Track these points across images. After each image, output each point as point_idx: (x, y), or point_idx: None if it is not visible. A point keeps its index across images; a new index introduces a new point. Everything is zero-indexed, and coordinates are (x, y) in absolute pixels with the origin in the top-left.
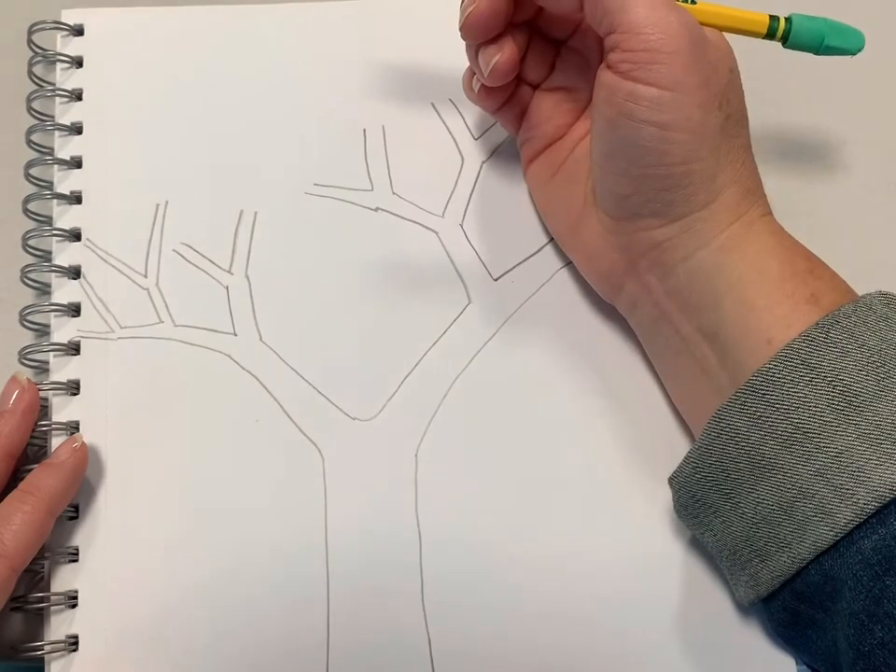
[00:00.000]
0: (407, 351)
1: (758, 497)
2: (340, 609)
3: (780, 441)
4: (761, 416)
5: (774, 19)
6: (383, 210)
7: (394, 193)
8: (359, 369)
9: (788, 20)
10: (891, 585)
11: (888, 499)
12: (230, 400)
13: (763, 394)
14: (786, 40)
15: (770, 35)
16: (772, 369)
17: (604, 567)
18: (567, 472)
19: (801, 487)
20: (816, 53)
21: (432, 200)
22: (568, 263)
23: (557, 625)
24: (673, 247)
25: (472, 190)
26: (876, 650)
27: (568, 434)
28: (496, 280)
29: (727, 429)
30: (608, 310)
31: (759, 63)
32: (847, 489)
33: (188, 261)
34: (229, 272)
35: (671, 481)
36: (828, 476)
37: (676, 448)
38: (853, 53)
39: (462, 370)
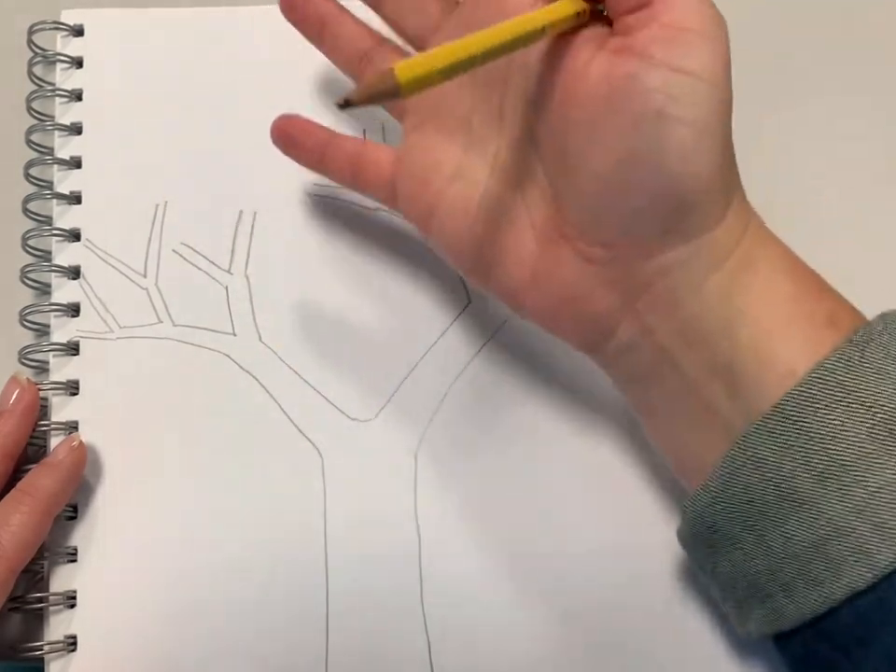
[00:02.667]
0: (407, 351)
1: (787, 532)
2: (339, 610)
3: (814, 473)
4: (792, 446)
5: None
6: (382, 210)
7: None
8: (359, 369)
9: None
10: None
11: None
12: (229, 400)
13: (795, 420)
14: None
15: None
16: (804, 392)
17: (604, 567)
18: (567, 472)
19: (837, 524)
20: None
21: None
22: None
23: (557, 625)
24: (685, 274)
25: None
26: None
27: (569, 433)
28: None
29: (753, 458)
30: None
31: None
32: (889, 527)
33: (187, 261)
34: (228, 272)
35: (685, 509)
36: (867, 513)
37: None
38: None
39: (462, 370)
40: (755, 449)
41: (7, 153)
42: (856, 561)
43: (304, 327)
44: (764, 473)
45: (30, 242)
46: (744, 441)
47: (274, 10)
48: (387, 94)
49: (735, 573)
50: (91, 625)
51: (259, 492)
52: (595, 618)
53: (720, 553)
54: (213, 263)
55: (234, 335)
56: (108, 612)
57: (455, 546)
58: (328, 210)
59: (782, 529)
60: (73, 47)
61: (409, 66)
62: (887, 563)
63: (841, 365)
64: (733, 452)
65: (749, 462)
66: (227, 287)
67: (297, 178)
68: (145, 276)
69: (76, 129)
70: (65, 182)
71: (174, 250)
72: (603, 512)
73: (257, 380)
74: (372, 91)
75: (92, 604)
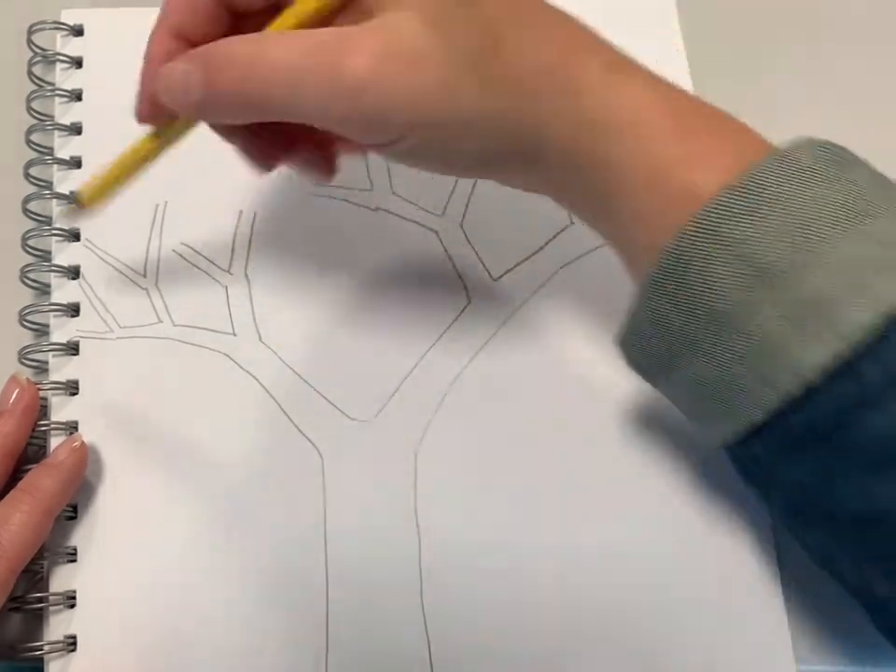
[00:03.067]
0: (407, 351)
1: (693, 375)
2: (339, 609)
3: (700, 323)
4: (679, 297)
5: None
6: (382, 210)
7: (394, 193)
8: (359, 369)
9: None
10: (836, 462)
11: (813, 382)
12: (229, 401)
13: (679, 272)
14: None
15: None
16: (680, 245)
17: (604, 566)
18: (567, 471)
19: (725, 371)
20: None
21: (432, 200)
22: (568, 263)
23: (558, 624)
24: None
25: (472, 190)
26: (824, 519)
27: (569, 433)
28: (496, 280)
29: (652, 310)
30: (608, 310)
31: None
32: (771, 373)
33: (187, 261)
34: (228, 272)
35: (620, 346)
36: (750, 360)
37: (678, 445)
38: None
39: (462, 370)
40: (653, 296)
41: (7, 153)
42: (746, 401)
43: (304, 327)
44: (665, 316)
45: (30, 242)
46: (639, 298)
47: None
48: (81, 216)
49: (674, 397)
50: (91, 625)
51: (259, 492)
52: (595, 617)
53: (658, 383)
54: (213, 263)
55: (234, 335)
56: (108, 612)
57: (455, 546)
58: (328, 210)
59: (686, 372)
60: (72, 46)
61: (88, 190)
62: (770, 406)
63: (715, 213)
64: (634, 307)
65: (648, 315)
66: (227, 288)
67: (297, 179)
68: (145, 276)
69: (75, 129)
70: (65, 182)
71: (174, 250)
72: (604, 511)
73: (257, 380)
74: (72, 219)
75: (92, 604)
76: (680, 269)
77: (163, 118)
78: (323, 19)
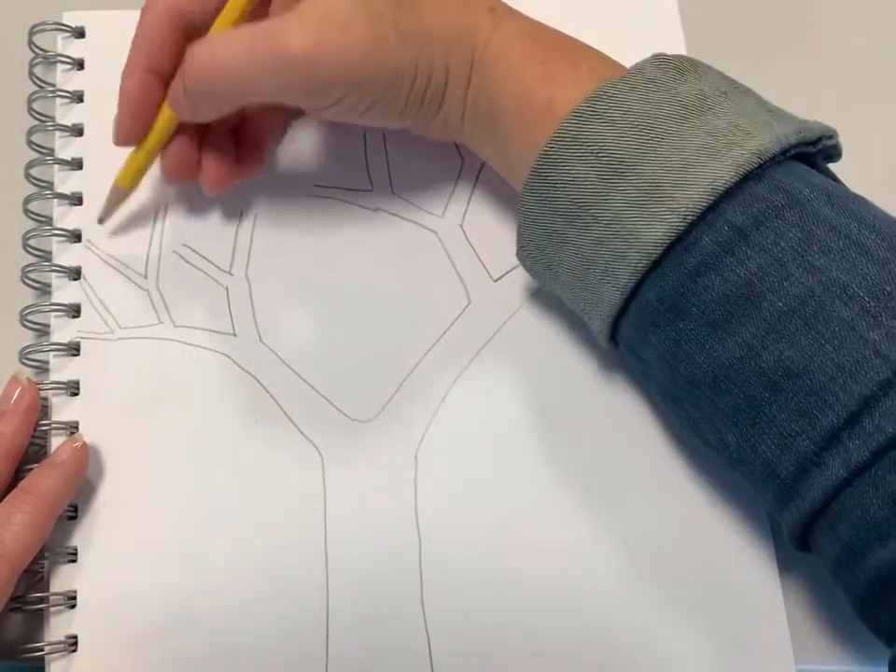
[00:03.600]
0: (407, 351)
1: (566, 267)
2: (339, 610)
3: (565, 217)
4: (547, 198)
5: None
6: (383, 210)
7: (394, 193)
8: (359, 369)
9: None
10: (684, 328)
11: (655, 255)
12: (229, 401)
13: (545, 176)
14: None
15: None
16: (548, 151)
17: (604, 565)
18: (567, 471)
19: (585, 255)
20: None
21: (432, 200)
22: None
23: (558, 625)
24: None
25: (472, 190)
26: (684, 388)
27: (568, 433)
28: (496, 281)
29: (529, 214)
30: None
31: None
32: (622, 252)
33: (188, 262)
34: (229, 272)
35: (517, 258)
36: (605, 243)
37: (677, 445)
38: None
39: (462, 370)
40: (529, 206)
41: (8, 153)
42: (608, 283)
43: (304, 327)
44: (539, 217)
45: (30, 242)
46: (520, 200)
47: None
48: (122, 198)
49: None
50: (92, 626)
51: (260, 492)
52: (594, 617)
53: (552, 287)
54: (213, 264)
55: (235, 336)
56: (109, 612)
57: (455, 546)
58: (328, 211)
59: (562, 264)
60: (74, 48)
61: (123, 174)
62: (625, 282)
63: (574, 121)
64: (519, 214)
65: (527, 219)
66: (227, 288)
67: (297, 179)
68: (146, 277)
69: (77, 130)
70: (67, 183)
71: (174, 251)
72: (604, 511)
73: (257, 380)
74: (111, 206)
75: (93, 604)
76: (547, 172)
77: (138, 138)
78: (256, 10)
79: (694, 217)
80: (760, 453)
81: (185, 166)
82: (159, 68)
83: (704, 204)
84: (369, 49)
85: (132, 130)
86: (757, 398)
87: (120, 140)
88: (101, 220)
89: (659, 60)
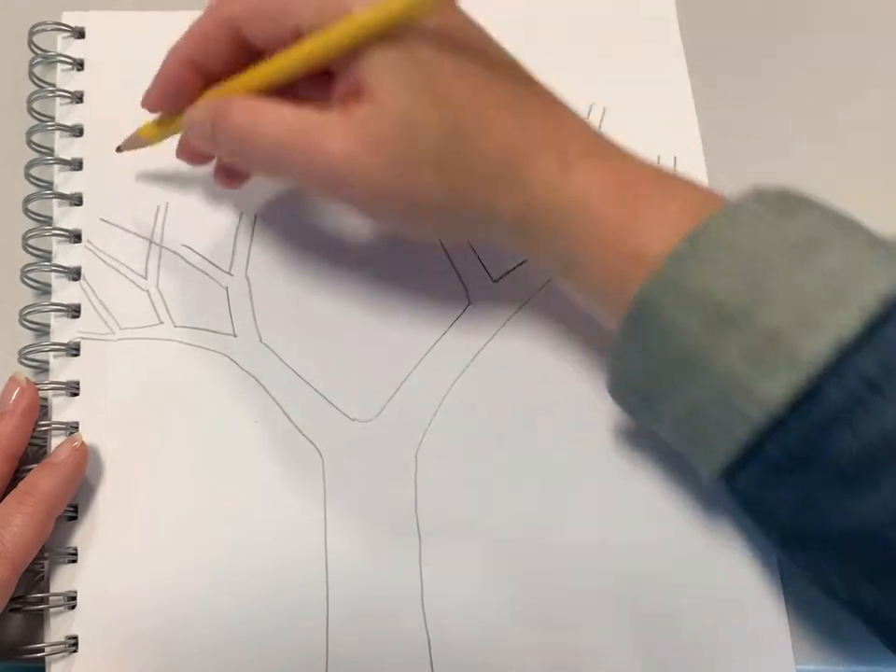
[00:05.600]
0: (407, 352)
1: (672, 414)
2: (339, 610)
3: (670, 366)
4: (647, 345)
5: None
6: None
7: None
8: (359, 370)
9: None
10: (813, 482)
11: (779, 414)
12: (229, 401)
13: (644, 322)
14: None
15: None
16: (646, 295)
17: (605, 566)
18: (566, 472)
19: (697, 408)
20: None
21: None
22: None
23: (558, 625)
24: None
25: None
26: (812, 539)
27: (568, 434)
28: (495, 281)
29: (624, 358)
30: None
31: None
32: (739, 408)
33: (188, 263)
34: (228, 273)
35: (609, 393)
36: (718, 397)
37: None
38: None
39: (462, 370)
40: (623, 347)
41: (8, 153)
42: (721, 437)
43: (304, 327)
44: (637, 363)
45: (30, 242)
46: (614, 350)
47: None
48: (141, 145)
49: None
50: (92, 626)
51: (260, 492)
52: (595, 617)
53: (650, 425)
54: (213, 265)
55: (235, 336)
56: (109, 613)
57: (455, 546)
58: (328, 211)
59: (667, 411)
60: (74, 49)
61: (145, 127)
62: (745, 438)
63: (674, 263)
64: (612, 356)
65: (625, 363)
66: (227, 289)
67: None
68: (146, 278)
69: (77, 130)
70: (67, 183)
71: (174, 252)
72: (604, 511)
73: (257, 380)
74: (131, 144)
75: (93, 604)
76: (647, 319)
77: (160, 108)
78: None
79: (820, 372)
80: None
81: (199, 154)
82: (201, 62)
83: (830, 358)
84: (397, 181)
85: (157, 99)
86: None
87: (145, 103)
88: (119, 149)
89: (760, 193)
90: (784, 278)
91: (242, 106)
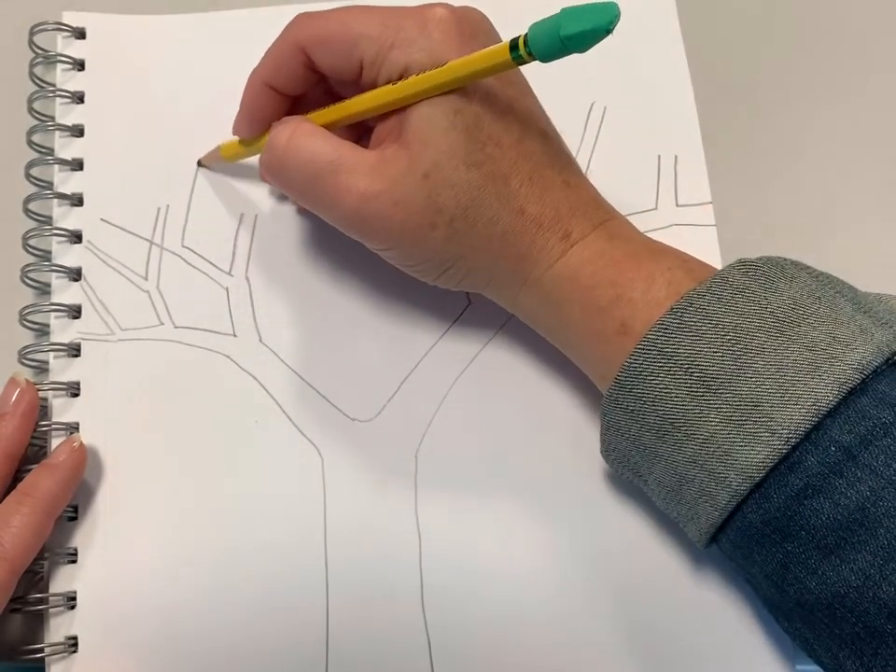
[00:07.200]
0: (407, 352)
1: (658, 480)
2: (339, 610)
3: (654, 432)
4: (633, 411)
5: (513, 41)
6: None
7: None
8: (359, 369)
9: (527, 34)
10: (792, 551)
11: (757, 479)
12: (229, 401)
13: (630, 388)
14: (531, 53)
15: (515, 54)
16: (633, 363)
17: (603, 566)
18: (566, 472)
19: (681, 473)
20: (566, 50)
21: None
22: None
23: (558, 626)
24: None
25: None
26: (795, 608)
27: (568, 434)
28: None
29: (613, 425)
30: None
31: None
32: (719, 473)
33: (188, 264)
34: (229, 273)
35: (602, 456)
36: (700, 462)
37: None
38: (606, 30)
39: (462, 371)
40: (612, 416)
41: (8, 153)
42: (705, 502)
43: (304, 328)
44: (624, 436)
45: (30, 242)
46: (603, 411)
47: (275, 14)
48: (218, 160)
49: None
50: (92, 626)
51: (260, 492)
52: (594, 617)
53: (642, 488)
54: (214, 265)
55: (235, 336)
56: (108, 613)
57: (454, 546)
58: None
59: (653, 477)
60: (74, 49)
61: (228, 147)
62: (724, 503)
63: (660, 334)
64: (602, 424)
65: (611, 428)
66: (227, 289)
67: None
68: (146, 279)
69: (77, 130)
70: (67, 184)
71: (175, 253)
72: (603, 511)
73: (257, 380)
74: (210, 159)
75: (93, 605)
76: (632, 386)
77: (245, 134)
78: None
79: (798, 440)
80: None
81: None
82: (276, 85)
83: (807, 426)
84: (411, 231)
85: (240, 124)
86: (878, 629)
87: (235, 131)
88: (200, 163)
89: (745, 266)
90: (765, 350)
91: (289, 124)
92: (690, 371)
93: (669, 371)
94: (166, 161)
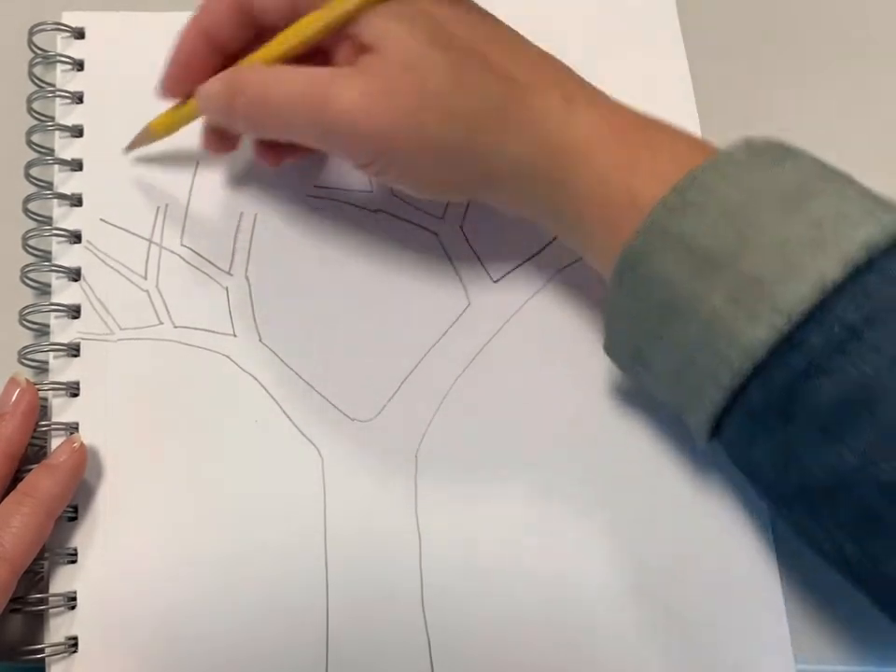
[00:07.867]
0: (407, 352)
1: (661, 364)
2: (339, 610)
3: (657, 313)
4: (637, 292)
5: None
6: (383, 212)
7: (394, 195)
8: (359, 369)
9: None
10: (794, 433)
11: (760, 358)
12: (229, 401)
13: (634, 270)
14: None
15: None
16: (635, 244)
17: (604, 565)
18: (566, 472)
19: (688, 353)
20: None
21: (433, 202)
22: (568, 265)
23: (558, 627)
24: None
25: None
26: (797, 494)
27: (568, 435)
28: (495, 282)
29: (617, 309)
30: None
31: None
32: (723, 353)
33: (187, 263)
34: (228, 273)
35: (605, 351)
36: (703, 343)
37: (676, 445)
38: None
39: (462, 371)
40: (615, 296)
41: (8, 153)
42: (707, 383)
43: (304, 327)
44: (629, 312)
45: (30, 242)
46: (606, 298)
47: None
48: (151, 140)
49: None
50: (92, 627)
51: (260, 492)
52: (596, 617)
53: (643, 382)
54: (213, 265)
55: (235, 336)
56: (108, 613)
57: (454, 546)
58: (328, 211)
59: (655, 362)
60: (74, 49)
61: (159, 120)
62: (728, 384)
63: (664, 212)
64: (605, 308)
65: (616, 313)
66: (227, 289)
67: (297, 180)
68: (145, 278)
69: (77, 130)
70: (67, 184)
71: (174, 252)
72: (603, 511)
73: (257, 380)
74: (139, 142)
75: (93, 605)
76: (636, 266)
77: (178, 93)
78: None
79: (801, 318)
80: (883, 571)
81: (223, 140)
82: (214, 39)
83: (811, 303)
84: (406, 124)
85: (174, 81)
86: (878, 511)
87: (163, 90)
88: (127, 150)
89: (750, 144)
90: (770, 226)
91: (256, 71)
92: (693, 248)
93: (673, 250)
94: (165, 160)
